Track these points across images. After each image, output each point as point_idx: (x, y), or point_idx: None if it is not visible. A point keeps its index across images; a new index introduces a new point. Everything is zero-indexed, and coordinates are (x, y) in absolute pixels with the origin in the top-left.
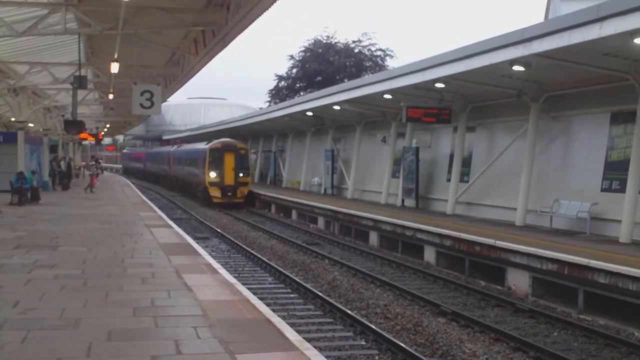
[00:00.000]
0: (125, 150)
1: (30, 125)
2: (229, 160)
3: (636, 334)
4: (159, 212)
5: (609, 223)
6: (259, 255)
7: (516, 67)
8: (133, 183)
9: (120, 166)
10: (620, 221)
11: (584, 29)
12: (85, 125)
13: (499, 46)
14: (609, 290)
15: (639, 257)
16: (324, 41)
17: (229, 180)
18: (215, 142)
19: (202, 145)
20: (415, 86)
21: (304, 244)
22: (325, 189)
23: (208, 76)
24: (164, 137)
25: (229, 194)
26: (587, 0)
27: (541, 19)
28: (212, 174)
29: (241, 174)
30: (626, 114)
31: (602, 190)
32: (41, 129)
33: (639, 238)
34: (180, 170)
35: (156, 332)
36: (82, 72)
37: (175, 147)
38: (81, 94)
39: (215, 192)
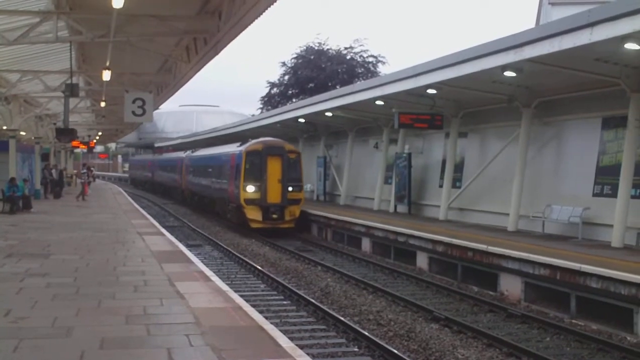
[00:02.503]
0: (132, 157)
1: (22, 133)
2: (274, 168)
3: (628, 338)
4: (151, 220)
5: (601, 228)
6: (251, 263)
7: (508, 73)
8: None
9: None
10: (612, 226)
11: (574, 35)
12: (77, 133)
13: (490, 52)
14: (601, 294)
15: (630, 261)
16: (316, 48)
17: (274, 196)
18: (254, 143)
19: (232, 148)
20: (407, 92)
21: (296, 251)
22: (317, 196)
23: (200, 83)
24: (156, 145)
25: (274, 216)
26: (578, 5)
27: (532, 25)
28: (250, 188)
29: (291, 188)
30: (617, 119)
31: (594, 195)
32: (33, 137)
33: (631, 242)
34: (197, 182)
35: (148, 340)
36: (74, 80)
37: (188, 152)
38: (73, 102)
39: (254, 214)
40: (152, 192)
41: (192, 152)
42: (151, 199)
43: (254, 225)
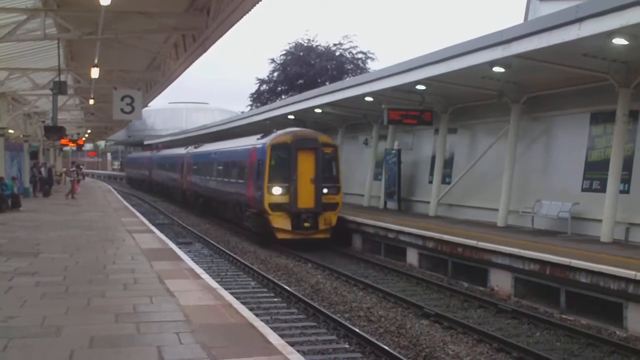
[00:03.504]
0: (130, 155)
1: (11, 131)
2: (306, 166)
3: (618, 332)
4: (141, 218)
5: (590, 223)
6: (241, 260)
7: (496, 69)
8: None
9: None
10: (600, 221)
11: (562, 30)
12: (65, 131)
13: (479, 48)
14: (590, 289)
15: (619, 256)
16: (305, 44)
17: (306, 200)
18: (281, 134)
19: (251, 141)
20: (396, 88)
21: (286, 248)
22: None
23: (189, 80)
24: (146, 142)
25: (306, 224)
26: (566, 1)
27: (521, 20)
28: (276, 190)
29: (326, 190)
30: (606, 114)
31: (583, 190)
32: (21, 135)
33: (620, 237)
34: (202, 182)
35: (138, 338)
36: (62, 78)
37: (190, 147)
38: (61, 99)
39: (281, 222)
40: (149, 193)
41: (195, 147)
42: (141, 196)
43: (281, 235)
